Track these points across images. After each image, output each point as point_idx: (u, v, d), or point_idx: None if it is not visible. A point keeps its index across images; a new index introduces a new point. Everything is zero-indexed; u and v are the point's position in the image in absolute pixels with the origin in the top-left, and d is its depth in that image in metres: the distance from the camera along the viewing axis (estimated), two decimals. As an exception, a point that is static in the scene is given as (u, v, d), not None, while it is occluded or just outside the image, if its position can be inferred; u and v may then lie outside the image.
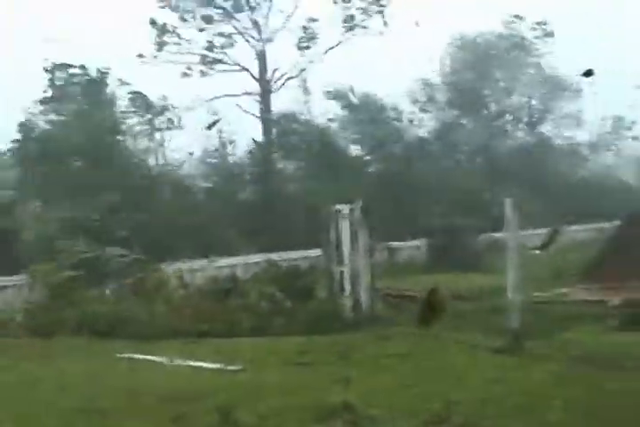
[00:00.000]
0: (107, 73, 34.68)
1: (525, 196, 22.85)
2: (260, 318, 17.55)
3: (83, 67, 34.38)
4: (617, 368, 12.14)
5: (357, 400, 9.89)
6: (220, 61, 40.21)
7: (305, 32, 40.51)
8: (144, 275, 20.42)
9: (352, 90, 40.47)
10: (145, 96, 37.14)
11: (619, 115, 44.55)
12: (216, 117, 36.27)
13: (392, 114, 41.40)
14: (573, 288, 20.55)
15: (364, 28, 40.60)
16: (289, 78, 40.56)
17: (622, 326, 15.60)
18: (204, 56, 39.89)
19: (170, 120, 37.82)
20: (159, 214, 30.05)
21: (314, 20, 40.32)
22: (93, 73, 34.67)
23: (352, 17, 40.68)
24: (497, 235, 23.69)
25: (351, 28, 40.72)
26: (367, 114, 40.53)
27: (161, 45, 38.94)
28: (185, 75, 39.39)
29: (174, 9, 39.33)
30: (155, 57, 38.86)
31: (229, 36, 39.99)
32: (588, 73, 11.26)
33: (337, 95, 40.86)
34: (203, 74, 39.78)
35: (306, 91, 40.06)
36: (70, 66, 34.20)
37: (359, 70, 40.68)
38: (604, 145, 45.81)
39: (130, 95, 36.77)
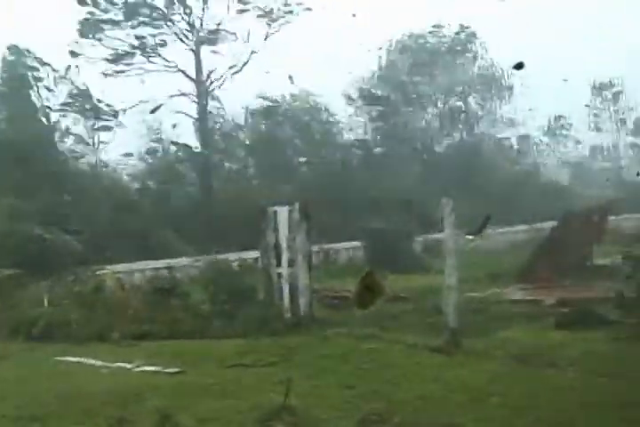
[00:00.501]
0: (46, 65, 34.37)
1: (462, 197, 23.04)
2: (199, 319, 17.44)
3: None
4: (552, 366, 12.36)
5: (298, 402, 9.91)
6: (150, 61, 39.72)
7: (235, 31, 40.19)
8: (81, 277, 20.15)
9: (291, 79, 40.26)
10: (89, 94, 36.71)
11: (559, 114, 45.17)
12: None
13: (326, 115, 41.52)
14: (510, 288, 20.85)
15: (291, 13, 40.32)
16: (222, 81, 40.25)
17: (557, 324, 15.85)
18: (133, 54, 39.32)
19: (106, 120, 37.41)
20: (97, 215, 29.68)
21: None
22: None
23: (290, 12, 40.54)
24: (435, 236, 23.89)
25: (276, 21, 40.46)
26: (304, 115, 40.59)
27: (85, 38, 38.22)
28: (106, 75, 38.66)
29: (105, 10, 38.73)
30: (79, 54, 38.07)
31: (161, 34, 39.54)
32: (519, 66, 11.40)
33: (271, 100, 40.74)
34: (128, 72, 39.06)
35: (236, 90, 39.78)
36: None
37: (294, 68, 40.46)
38: (539, 145, 46.49)
39: (70, 92, 36.37)
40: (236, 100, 40.10)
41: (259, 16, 40.27)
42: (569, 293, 18.74)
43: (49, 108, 36.01)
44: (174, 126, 36.79)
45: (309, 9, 40.22)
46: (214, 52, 39.55)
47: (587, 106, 45.58)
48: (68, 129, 36.34)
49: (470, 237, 17.58)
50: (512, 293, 20.34)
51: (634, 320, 14.76)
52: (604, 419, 9.44)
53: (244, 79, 39.66)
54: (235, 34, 39.83)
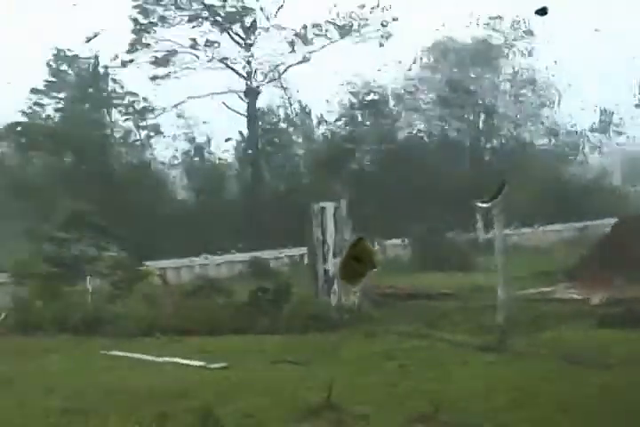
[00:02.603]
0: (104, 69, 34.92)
1: (511, 196, 22.79)
2: (244, 316, 17.44)
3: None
4: (601, 366, 12.13)
5: (342, 399, 9.83)
6: (201, 59, 39.86)
7: (293, 35, 40.20)
8: (127, 272, 20.30)
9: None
10: (138, 96, 37.03)
11: (607, 109, 44.35)
12: None
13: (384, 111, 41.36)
14: (557, 287, 20.58)
15: (359, 33, 40.37)
16: (273, 79, 40.31)
17: (602, 324, 15.59)
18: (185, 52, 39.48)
19: (154, 120, 37.68)
20: (144, 213, 29.91)
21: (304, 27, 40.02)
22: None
23: (350, 25, 40.49)
24: (484, 234, 23.73)
25: (345, 34, 40.52)
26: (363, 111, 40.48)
27: (137, 44, 38.49)
28: (158, 77, 38.86)
29: (152, 10, 38.93)
30: (131, 60, 38.40)
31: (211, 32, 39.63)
32: (543, 10, 10.83)
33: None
34: (184, 70, 39.25)
35: (287, 90, 39.84)
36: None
37: (345, 73, 40.39)
38: (591, 144, 45.77)
39: (121, 94, 36.70)
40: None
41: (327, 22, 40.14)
42: (619, 292, 18.41)
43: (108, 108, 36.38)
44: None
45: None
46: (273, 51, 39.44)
47: (637, 106, 44.68)
48: (125, 132, 36.66)
49: (484, 204, 17.27)
50: (560, 291, 20.08)
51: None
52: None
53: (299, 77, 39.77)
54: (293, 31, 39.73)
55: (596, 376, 11.45)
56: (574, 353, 12.92)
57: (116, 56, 37.13)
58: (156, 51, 38.80)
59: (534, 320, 16.08)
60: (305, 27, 39.88)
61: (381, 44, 40.53)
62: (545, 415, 9.55)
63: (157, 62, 38.64)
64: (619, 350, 13.10)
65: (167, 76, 38.71)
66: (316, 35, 40.08)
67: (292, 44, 39.78)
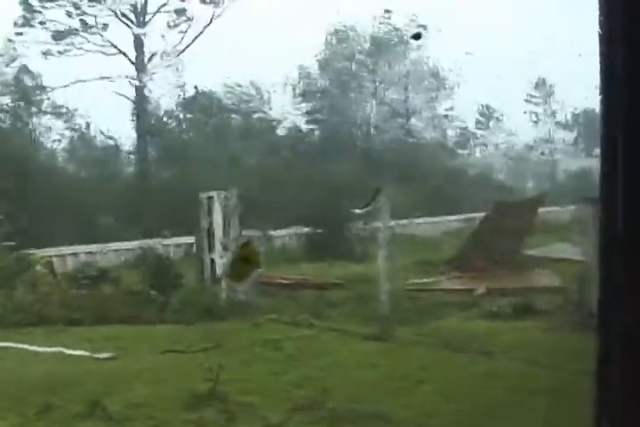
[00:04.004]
0: None
1: (398, 186, 23.20)
2: (131, 305, 17.27)
3: None
4: (482, 354, 12.54)
5: (230, 388, 9.89)
6: (91, 41, 39.05)
7: (177, 15, 39.70)
8: (10, 261, 19.79)
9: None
10: (31, 72, 36.04)
11: (487, 104, 45.48)
12: None
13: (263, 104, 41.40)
14: (442, 277, 21.05)
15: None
16: (167, 65, 39.80)
17: (488, 314, 16.06)
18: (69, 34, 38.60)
19: (42, 101, 36.76)
20: (31, 199, 29.16)
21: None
22: None
23: None
24: (371, 224, 24.02)
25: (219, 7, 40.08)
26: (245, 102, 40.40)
27: (26, 24, 37.48)
28: (45, 54, 37.91)
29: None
30: (20, 34, 37.31)
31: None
32: (417, 36, 11.35)
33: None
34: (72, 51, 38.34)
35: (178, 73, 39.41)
36: None
37: (235, 55, 40.16)
38: (476, 139, 46.91)
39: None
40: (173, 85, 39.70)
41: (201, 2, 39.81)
42: (500, 282, 18.98)
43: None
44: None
45: None
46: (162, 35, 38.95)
47: (526, 101, 46.02)
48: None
49: (359, 211, 17.71)
50: (445, 281, 20.54)
51: (563, 310, 15.04)
52: (532, 405, 9.60)
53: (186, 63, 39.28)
54: (182, 14, 39.29)
55: (477, 364, 11.83)
56: (457, 342, 13.30)
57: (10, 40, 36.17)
58: (45, 29, 37.92)
59: (419, 310, 16.46)
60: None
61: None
62: (428, 402, 9.83)
63: (47, 42, 37.77)
64: (501, 340, 13.56)
65: (58, 54, 37.85)
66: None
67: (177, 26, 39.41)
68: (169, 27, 39.52)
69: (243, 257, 8.36)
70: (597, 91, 2.31)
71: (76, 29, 38.49)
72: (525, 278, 19.29)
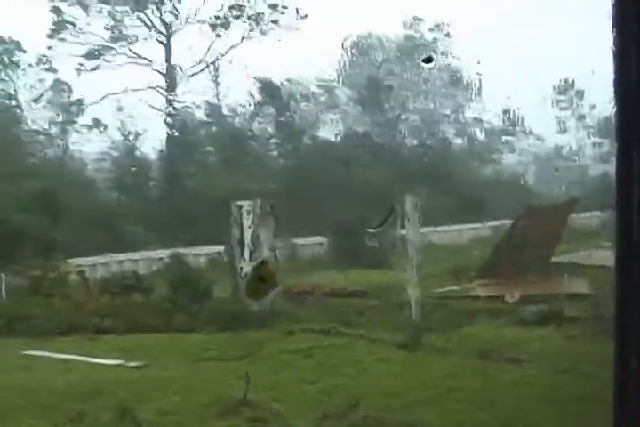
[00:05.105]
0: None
1: (427, 194, 23.15)
2: (162, 314, 17.36)
3: None
4: (511, 362, 12.49)
5: (260, 396, 9.94)
6: (122, 53, 39.48)
7: (215, 24, 40.00)
8: (44, 271, 19.97)
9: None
10: (64, 84, 36.47)
11: (513, 109, 45.20)
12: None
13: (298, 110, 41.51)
14: (472, 284, 20.94)
15: (274, 22, 40.32)
16: (194, 73, 40.15)
17: (519, 321, 15.97)
18: (106, 48, 39.06)
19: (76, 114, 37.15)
20: (63, 210, 29.42)
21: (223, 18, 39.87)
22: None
23: (260, 14, 40.42)
24: (400, 232, 23.99)
25: (257, 23, 40.44)
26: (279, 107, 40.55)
27: (57, 32, 37.87)
28: (79, 71, 38.35)
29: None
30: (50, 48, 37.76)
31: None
32: (428, 59, 11.43)
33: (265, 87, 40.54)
34: (103, 64, 38.80)
35: (216, 82, 39.70)
36: None
37: (263, 67, 40.40)
38: (503, 144, 46.69)
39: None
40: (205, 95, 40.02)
41: (248, 17, 40.03)
42: (530, 289, 18.86)
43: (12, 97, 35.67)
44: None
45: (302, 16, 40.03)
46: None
47: (553, 106, 45.76)
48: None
49: (372, 230, 17.64)
50: (475, 289, 20.44)
51: (590, 317, 14.93)
52: (561, 414, 9.56)
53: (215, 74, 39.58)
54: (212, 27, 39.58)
55: (507, 372, 11.79)
56: (486, 350, 13.24)
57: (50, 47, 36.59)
58: (77, 43, 38.30)
59: (448, 318, 16.40)
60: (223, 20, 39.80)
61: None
62: (457, 410, 9.81)
63: (84, 56, 38.18)
64: (529, 347, 13.49)
65: (89, 66, 38.22)
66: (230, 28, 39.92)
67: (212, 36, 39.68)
68: (205, 37, 39.83)
69: (258, 276, 8.78)
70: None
71: (109, 42, 38.88)
72: (555, 285, 19.13)
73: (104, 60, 38.60)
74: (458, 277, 21.76)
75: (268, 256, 18.42)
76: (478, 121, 45.65)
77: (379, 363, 12.78)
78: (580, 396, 9.90)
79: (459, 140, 45.59)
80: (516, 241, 21.87)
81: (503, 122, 45.67)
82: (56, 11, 37.49)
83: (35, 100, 36.16)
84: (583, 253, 21.58)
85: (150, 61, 39.40)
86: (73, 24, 37.72)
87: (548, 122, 45.56)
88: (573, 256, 21.48)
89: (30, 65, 36.17)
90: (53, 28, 37.21)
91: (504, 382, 11.21)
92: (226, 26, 39.84)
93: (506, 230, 24.42)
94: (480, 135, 46.09)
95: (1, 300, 18.70)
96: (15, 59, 35.68)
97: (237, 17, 40.03)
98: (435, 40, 44.79)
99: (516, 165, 47.37)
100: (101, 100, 37.42)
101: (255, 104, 41.09)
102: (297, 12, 39.98)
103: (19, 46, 35.95)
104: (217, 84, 39.78)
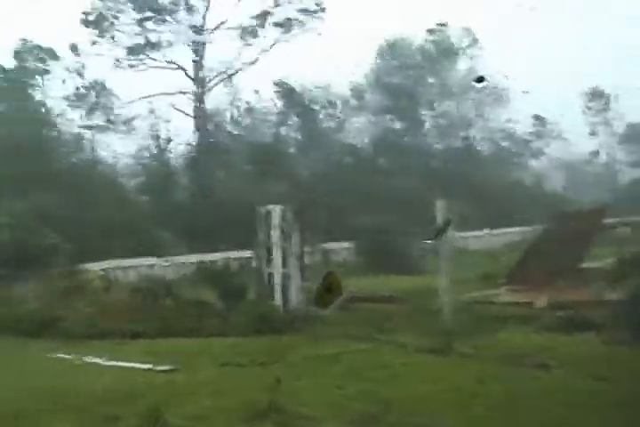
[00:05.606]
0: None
1: (458, 199, 23.09)
2: (192, 318, 17.43)
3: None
4: (541, 368, 12.42)
5: (288, 401, 9.93)
6: (152, 58, 39.72)
7: (243, 31, 40.18)
8: (71, 273, 20.12)
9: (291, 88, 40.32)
10: (105, 88, 36.88)
11: (538, 114, 44.99)
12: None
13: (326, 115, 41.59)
14: (501, 290, 20.87)
15: (301, 23, 40.32)
16: (223, 79, 40.34)
17: (548, 327, 15.88)
18: (135, 51, 39.31)
19: (108, 117, 37.50)
20: (91, 213, 29.62)
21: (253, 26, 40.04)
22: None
23: (289, 19, 40.55)
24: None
25: (288, 30, 40.58)
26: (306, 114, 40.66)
27: (90, 37, 38.24)
28: (116, 66, 38.64)
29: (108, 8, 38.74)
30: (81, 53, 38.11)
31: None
32: (480, 79, 11.60)
33: (284, 93, 40.72)
34: (132, 67, 39.08)
35: (236, 90, 39.91)
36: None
37: (292, 73, 40.53)
38: (530, 148, 46.40)
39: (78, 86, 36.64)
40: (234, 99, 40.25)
41: (275, 24, 40.22)
42: (560, 295, 18.76)
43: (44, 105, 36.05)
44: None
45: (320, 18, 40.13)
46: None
47: (584, 112, 45.60)
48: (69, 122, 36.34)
49: (430, 241, 17.61)
50: (504, 294, 20.37)
51: (622, 324, 14.81)
52: (590, 419, 9.49)
53: (246, 79, 39.91)
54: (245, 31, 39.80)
55: (536, 378, 11.72)
56: (516, 355, 13.18)
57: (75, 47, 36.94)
58: (109, 49, 38.63)
59: (479, 323, 16.33)
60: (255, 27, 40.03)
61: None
62: (486, 416, 9.76)
63: (116, 60, 38.51)
64: (558, 353, 13.41)
65: (122, 70, 38.52)
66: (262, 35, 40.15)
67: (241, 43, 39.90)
68: (235, 43, 40.05)
69: (326, 287, 9.36)
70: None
71: (141, 47, 39.20)
72: (585, 291, 19.01)
73: (135, 64, 39.04)
74: (489, 282, 21.69)
75: (296, 263, 18.46)
76: (508, 127, 45.54)
77: (409, 368, 12.75)
78: (610, 403, 9.85)
79: (488, 146, 45.52)
80: (546, 246, 21.77)
81: (533, 127, 45.68)
82: (88, 15, 37.92)
83: (68, 104, 36.63)
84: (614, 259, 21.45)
85: (181, 67, 39.78)
86: (105, 30, 38.16)
87: (579, 128, 45.47)
88: (605, 262, 21.35)
89: (63, 69, 36.64)
90: (86, 33, 37.66)
91: (533, 388, 11.15)
92: (255, 32, 40.16)
93: (535, 235, 24.35)
94: (509, 141, 46.02)
95: (30, 303, 18.84)
96: (47, 63, 36.12)
97: (264, 24, 40.29)
98: (466, 45, 44.83)
99: (545, 170, 47.23)
100: (132, 103, 37.86)
101: (283, 109, 41.34)
102: (323, 17, 40.33)
103: (51, 51, 36.38)
104: (245, 90, 40.12)
